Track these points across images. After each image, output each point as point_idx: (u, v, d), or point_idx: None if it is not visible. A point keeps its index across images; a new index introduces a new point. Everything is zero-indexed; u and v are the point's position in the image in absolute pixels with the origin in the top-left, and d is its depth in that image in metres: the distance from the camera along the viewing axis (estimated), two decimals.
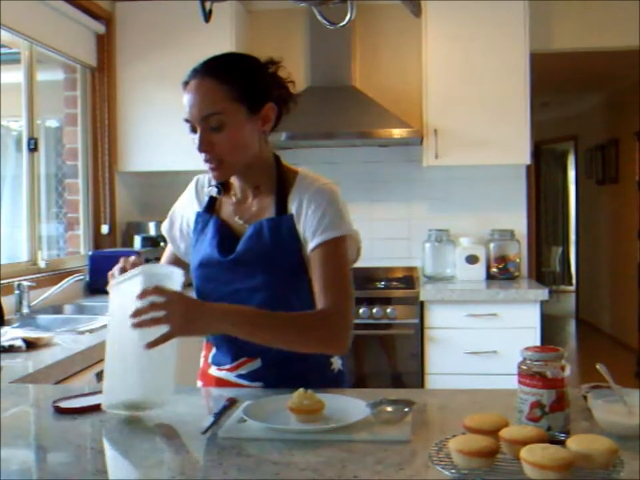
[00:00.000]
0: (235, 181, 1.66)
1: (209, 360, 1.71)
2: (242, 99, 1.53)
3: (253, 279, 1.58)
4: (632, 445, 1.15)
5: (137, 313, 1.33)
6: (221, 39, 3.81)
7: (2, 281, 2.86)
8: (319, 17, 1.84)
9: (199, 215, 1.69)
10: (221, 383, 1.67)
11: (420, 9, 2.33)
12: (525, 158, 3.82)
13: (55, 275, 3.37)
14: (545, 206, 10.28)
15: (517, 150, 3.78)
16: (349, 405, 1.37)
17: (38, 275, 3.24)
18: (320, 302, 1.52)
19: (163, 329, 1.35)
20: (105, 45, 3.90)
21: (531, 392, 1.22)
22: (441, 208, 4.17)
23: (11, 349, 2.15)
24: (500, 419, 1.17)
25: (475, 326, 3.51)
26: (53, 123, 4.07)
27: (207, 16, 1.75)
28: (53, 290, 3.16)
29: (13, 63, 3.36)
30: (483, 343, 3.50)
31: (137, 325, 1.33)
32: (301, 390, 1.32)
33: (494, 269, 4.02)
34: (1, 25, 2.98)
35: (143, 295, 1.34)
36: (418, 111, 3.94)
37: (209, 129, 1.53)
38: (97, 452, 1.23)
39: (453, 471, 1.05)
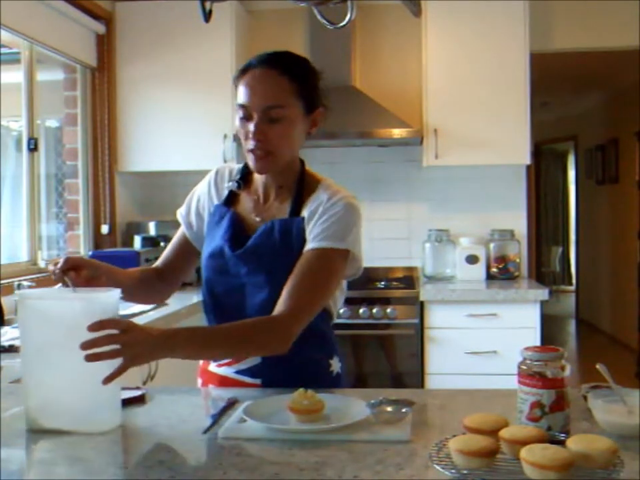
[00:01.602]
0: (259, 178, 1.67)
1: None
2: (302, 97, 1.56)
3: (258, 276, 1.60)
4: (632, 444, 1.15)
5: (91, 345, 1.23)
6: (221, 39, 3.82)
7: (2, 281, 2.86)
8: (319, 17, 1.84)
9: (216, 207, 1.70)
10: (220, 379, 1.67)
11: (420, 8, 2.33)
12: (525, 158, 3.82)
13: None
14: (545, 206, 10.28)
15: (517, 150, 3.78)
16: (349, 405, 1.37)
17: (38, 275, 3.24)
18: (282, 304, 1.50)
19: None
20: (104, 45, 3.90)
21: (531, 392, 1.22)
22: (440, 208, 4.17)
23: (10, 349, 2.15)
24: (500, 419, 1.17)
25: (474, 326, 3.51)
26: (53, 123, 4.07)
27: (207, 16, 1.75)
28: None
29: (13, 62, 3.36)
30: (483, 343, 3.50)
31: (93, 358, 1.23)
32: (301, 390, 1.32)
33: (494, 269, 4.02)
34: (1, 25, 2.99)
35: (97, 326, 1.25)
36: (418, 111, 3.94)
37: (266, 119, 1.53)
38: (97, 452, 1.23)
39: (453, 470, 1.05)
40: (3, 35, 3.12)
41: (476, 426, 1.15)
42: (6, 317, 2.66)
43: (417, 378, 3.55)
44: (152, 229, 4.00)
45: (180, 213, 1.78)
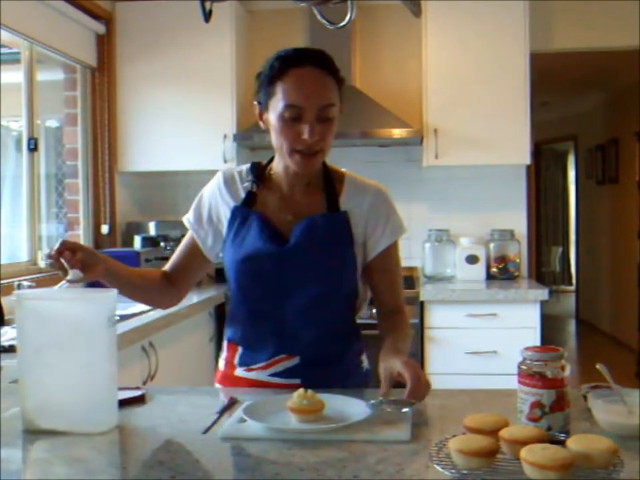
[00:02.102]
0: (284, 175, 1.65)
1: (235, 361, 1.67)
2: (340, 95, 1.60)
3: (305, 273, 1.58)
4: (632, 444, 1.15)
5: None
6: (221, 39, 3.82)
7: (2, 281, 2.86)
8: (319, 17, 1.84)
9: (236, 209, 1.65)
10: (250, 383, 1.64)
11: (420, 8, 2.32)
12: (525, 158, 3.82)
13: (55, 275, 3.35)
14: (545, 206, 10.28)
15: (517, 150, 3.78)
16: (349, 405, 1.37)
17: (38, 275, 3.24)
18: (394, 300, 1.70)
19: (108, 353, 1.32)
20: (104, 45, 3.90)
21: (531, 392, 1.22)
22: (440, 208, 4.17)
23: (10, 349, 2.15)
24: (500, 419, 1.17)
25: (475, 326, 3.51)
26: (52, 123, 4.07)
27: (207, 16, 1.74)
28: None
29: (13, 62, 3.36)
30: (483, 343, 3.50)
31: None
32: (301, 390, 1.32)
33: (494, 269, 4.02)
34: (1, 25, 2.99)
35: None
36: (418, 111, 3.94)
37: (319, 118, 1.53)
38: (97, 452, 1.23)
39: (453, 471, 1.05)
40: (3, 35, 3.12)
41: (476, 426, 1.15)
42: (6, 317, 2.66)
43: None
44: (152, 229, 4.00)
45: (188, 220, 1.73)
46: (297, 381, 1.59)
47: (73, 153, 3.87)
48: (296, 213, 1.62)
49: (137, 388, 1.59)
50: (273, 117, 1.55)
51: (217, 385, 1.73)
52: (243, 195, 1.67)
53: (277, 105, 1.54)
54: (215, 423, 1.32)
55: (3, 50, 3.32)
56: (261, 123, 1.63)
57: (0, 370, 1.92)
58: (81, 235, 3.88)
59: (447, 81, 3.79)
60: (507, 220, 4.11)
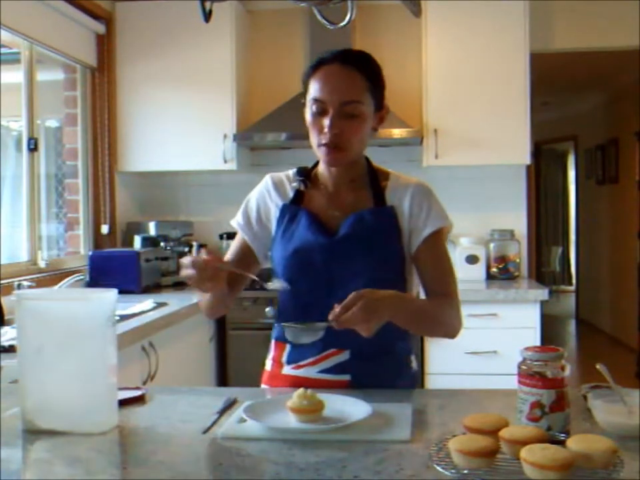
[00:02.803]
0: (327, 174, 1.69)
1: (283, 359, 1.67)
2: (374, 94, 1.61)
3: (353, 264, 1.60)
4: (632, 445, 1.15)
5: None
6: (221, 39, 3.82)
7: (2, 281, 2.86)
8: (319, 17, 1.84)
9: (285, 207, 1.69)
10: (299, 381, 1.60)
11: (420, 8, 2.32)
12: (525, 158, 3.82)
13: (55, 274, 3.37)
14: (545, 206, 10.28)
15: (517, 150, 3.78)
16: (349, 405, 1.37)
17: (38, 275, 3.24)
18: (441, 288, 1.63)
19: (108, 354, 1.33)
20: (104, 45, 3.90)
21: (531, 392, 1.22)
22: None
23: (10, 349, 2.15)
24: (500, 419, 1.17)
25: (474, 326, 3.50)
26: (52, 123, 4.07)
27: (207, 16, 1.75)
28: None
29: (13, 62, 3.36)
30: (483, 343, 3.50)
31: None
32: (301, 390, 1.32)
33: (494, 269, 4.02)
34: (1, 25, 2.99)
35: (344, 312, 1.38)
36: (418, 111, 3.94)
37: (342, 114, 1.57)
38: (97, 452, 1.23)
39: (453, 470, 1.05)
40: (3, 35, 3.12)
41: (476, 426, 1.15)
42: (6, 317, 2.66)
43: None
44: (152, 229, 4.00)
45: (238, 223, 1.75)
46: (347, 377, 1.60)
47: (73, 152, 3.87)
48: (343, 209, 1.66)
49: (137, 388, 1.59)
50: (307, 113, 1.62)
51: (263, 386, 1.72)
52: (291, 194, 1.71)
53: (308, 99, 1.61)
54: (214, 422, 1.32)
55: (3, 50, 3.31)
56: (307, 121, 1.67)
57: (0, 370, 1.92)
58: (81, 235, 3.88)
59: (447, 81, 3.79)
60: (507, 220, 4.11)
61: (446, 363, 3.54)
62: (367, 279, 1.58)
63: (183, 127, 3.88)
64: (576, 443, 1.04)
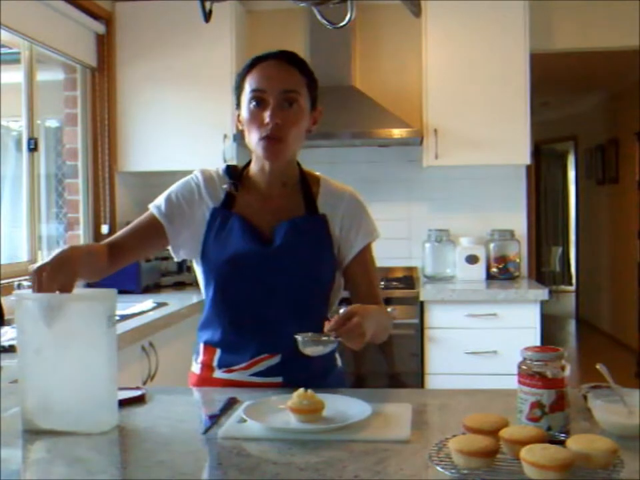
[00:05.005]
0: (261, 175, 1.68)
1: (214, 363, 1.67)
2: (309, 91, 1.64)
3: (290, 272, 1.61)
4: (632, 444, 1.15)
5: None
6: (221, 39, 3.82)
7: (2, 281, 2.86)
8: (319, 17, 1.84)
9: (215, 210, 1.66)
10: (230, 384, 1.64)
11: (420, 9, 2.32)
12: (525, 158, 3.82)
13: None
14: (545, 206, 10.28)
15: (517, 150, 3.78)
16: (349, 405, 1.37)
17: None
18: (373, 299, 1.65)
19: (108, 353, 1.32)
20: (104, 45, 3.90)
21: (531, 392, 1.22)
22: (440, 208, 4.17)
23: (10, 349, 2.15)
24: (500, 419, 1.17)
25: (474, 326, 3.51)
26: (53, 123, 4.07)
27: (207, 16, 1.74)
28: None
29: (13, 62, 3.36)
30: (482, 343, 3.50)
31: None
32: (301, 390, 1.32)
33: (494, 269, 4.02)
34: (1, 25, 2.99)
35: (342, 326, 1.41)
36: (418, 111, 3.94)
37: (282, 104, 1.58)
38: (97, 452, 1.23)
39: (453, 470, 1.05)
40: (3, 35, 3.12)
41: (476, 426, 1.15)
42: (6, 317, 2.66)
43: (417, 378, 3.55)
44: None
45: (157, 208, 1.69)
46: (279, 379, 1.62)
47: (73, 152, 3.87)
48: (275, 215, 1.65)
49: (137, 388, 1.59)
50: (244, 111, 1.62)
51: (193, 389, 1.71)
52: (221, 196, 1.68)
53: (245, 97, 1.62)
54: (214, 422, 1.32)
55: (3, 50, 3.31)
56: (239, 125, 1.67)
57: (0, 370, 1.92)
58: (81, 235, 3.88)
59: (447, 81, 3.79)
60: (507, 220, 4.11)
61: (446, 363, 3.54)
62: (302, 287, 1.61)
63: (183, 127, 3.88)
64: (576, 443, 1.04)
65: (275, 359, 1.62)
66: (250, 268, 1.61)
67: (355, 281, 1.71)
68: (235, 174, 1.71)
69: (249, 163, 1.73)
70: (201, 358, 1.71)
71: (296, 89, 1.60)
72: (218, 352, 1.67)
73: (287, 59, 1.62)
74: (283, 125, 1.57)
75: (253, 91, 1.59)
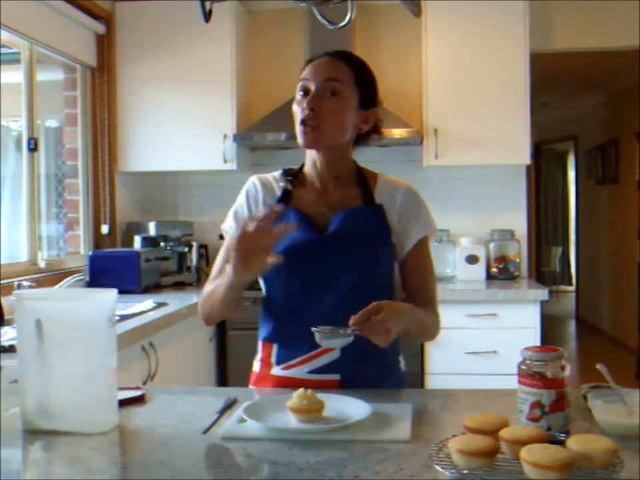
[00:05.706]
0: (313, 170, 1.69)
1: (272, 360, 1.65)
2: (359, 88, 1.63)
3: (344, 261, 1.60)
4: (632, 444, 1.15)
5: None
6: (221, 39, 3.82)
7: (2, 281, 2.86)
8: (319, 17, 1.84)
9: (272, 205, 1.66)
10: (288, 382, 1.59)
11: (420, 9, 2.32)
12: (525, 158, 3.82)
13: (55, 274, 3.37)
14: (545, 206, 10.28)
15: (517, 150, 3.78)
16: (349, 405, 1.37)
17: (38, 275, 3.24)
18: (425, 295, 1.68)
19: (108, 353, 1.33)
20: (104, 45, 3.90)
21: (531, 392, 1.22)
22: (440, 208, 4.13)
23: (10, 349, 2.15)
24: (500, 419, 1.17)
25: (474, 326, 3.51)
26: (53, 123, 4.07)
27: (207, 16, 1.75)
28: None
29: (13, 62, 3.36)
30: (482, 343, 3.50)
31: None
32: (301, 390, 1.32)
33: (494, 269, 4.02)
34: (1, 25, 2.99)
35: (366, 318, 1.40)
36: (418, 111, 3.94)
37: (324, 92, 1.59)
38: (97, 452, 1.23)
39: (453, 470, 1.05)
40: (3, 35, 3.12)
41: (476, 426, 1.15)
42: (6, 317, 2.66)
43: (417, 378, 3.55)
44: (152, 229, 4.00)
45: (229, 227, 1.71)
46: (337, 377, 1.59)
47: (73, 152, 3.87)
48: (332, 206, 1.65)
49: (137, 388, 1.59)
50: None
51: (251, 388, 1.69)
52: (279, 194, 1.70)
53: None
54: (214, 422, 1.32)
55: (3, 50, 3.32)
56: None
57: (0, 370, 1.92)
58: (81, 235, 3.88)
59: (447, 81, 3.79)
60: (507, 220, 4.11)
61: (446, 363, 3.54)
62: (357, 276, 1.59)
63: (183, 127, 3.88)
64: (576, 443, 1.04)
65: (335, 354, 1.58)
66: (306, 256, 1.61)
67: (407, 273, 1.68)
68: (291, 173, 1.73)
69: (304, 163, 1.74)
70: (260, 355, 1.69)
71: (339, 77, 1.60)
72: (275, 347, 1.65)
73: (338, 54, 1.65)
74: (319, 111, 1.58)
75: (300, 80, 1.63)
